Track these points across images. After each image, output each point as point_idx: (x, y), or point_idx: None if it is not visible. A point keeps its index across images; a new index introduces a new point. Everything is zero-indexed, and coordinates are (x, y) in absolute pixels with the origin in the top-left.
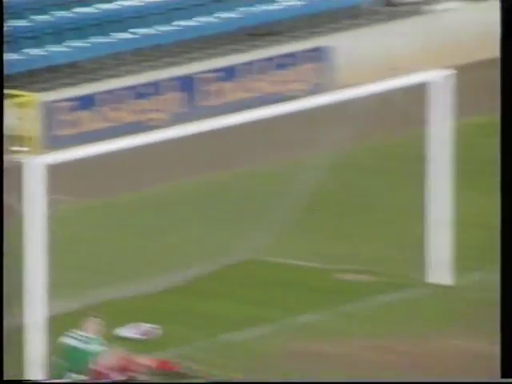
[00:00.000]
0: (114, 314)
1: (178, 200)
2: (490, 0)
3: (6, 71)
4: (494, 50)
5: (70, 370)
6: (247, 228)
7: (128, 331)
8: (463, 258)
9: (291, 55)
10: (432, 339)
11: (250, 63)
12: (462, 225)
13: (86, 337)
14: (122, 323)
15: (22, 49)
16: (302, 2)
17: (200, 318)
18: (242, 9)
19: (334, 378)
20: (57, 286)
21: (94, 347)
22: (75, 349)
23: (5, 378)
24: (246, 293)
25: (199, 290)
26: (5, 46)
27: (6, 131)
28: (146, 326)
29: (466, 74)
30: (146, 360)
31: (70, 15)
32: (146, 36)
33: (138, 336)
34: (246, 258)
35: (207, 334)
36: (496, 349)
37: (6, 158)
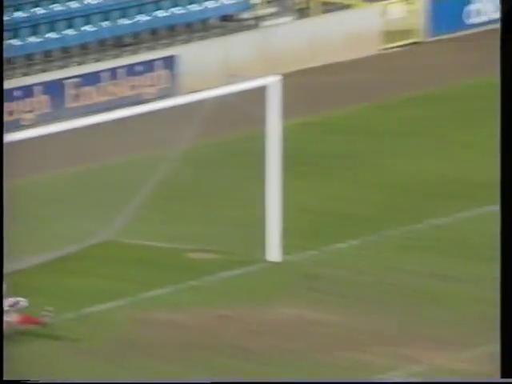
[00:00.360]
0: None
1: (51, 189)
2: (314, 17)
3: None
4: (319, 59)
5: None
6: (111, 213)
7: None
8: (293, 238)
9: (145, 63)
10: (268, 308)
11: (109, 70)
12: (292, 210)
13: None
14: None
15: None
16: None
17: (66, 292)
18: (104, 23)
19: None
20: None
21: None
22: None
23: (5, 378)
24: (107, 270)
25: (66, 268)
26: None
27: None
28: (14, 299)
29: (296, 79)
30: (9, 317)
31: None
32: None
33: (6, 307)
34: (109, 240)
35: (72, 307)
36: (327, 316)
37: None
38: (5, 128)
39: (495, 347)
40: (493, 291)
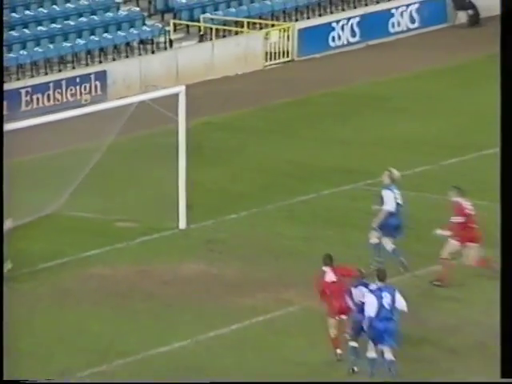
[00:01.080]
0: None
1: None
2: (212, 40)
3: None
4: (214, 73)
5: None
6: (56, 192)
7: None
8: (197, 211)
9: (82, 76)
10: (178, 265)
11: (54, 81)
12: (195, 189)
13: None
14: None
15: None
16: (87, 40)
17: (21, 254)
18: (50, 45)
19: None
20: None
21: None
22: None
23: (5, 378)
24: (52, 236)
25: (22, 235)
26: None
27: None
28: None
29: (198, 88)
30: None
31: None
32: None
33: None
34: (54, 213)
35: (26, 265)
36: (222, 271)
37: None
38: None
39: None
40: (342, 247)
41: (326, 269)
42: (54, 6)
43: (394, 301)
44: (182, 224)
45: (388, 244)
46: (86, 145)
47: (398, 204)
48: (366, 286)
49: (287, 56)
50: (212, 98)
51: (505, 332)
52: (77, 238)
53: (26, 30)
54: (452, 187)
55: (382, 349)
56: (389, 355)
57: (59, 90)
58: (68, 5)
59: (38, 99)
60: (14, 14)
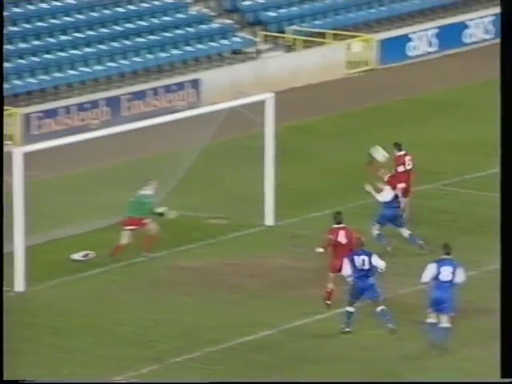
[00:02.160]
0: (69, 245)
1: (113, 173)
2: (298, 51)
3: None
4: (300, 81)
5: None
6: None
7: (76, 255)
8: (282, 209)
9: (178, 84)
10: (262, 259)
11: (152, 89)
12: (281, 188)
13: None
14: (75, 251)
15: None
16: (182, 51)
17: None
18: (148, 56)
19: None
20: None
21: None
22: None
23: (5, 378)
24: None
25: (116, 229)
26: None
27: None
28: (85, 251)
29: (284, 95)
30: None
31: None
32: (87, 72)
33: (81, 258)
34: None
35: (124, 257)
36: (301, 264)
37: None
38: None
39: None
40: None
41: (339, 228)
42: (153, 19)
43: (454, 273)
44: (269, 221)
45: (404, 232)
46: (181, 148)
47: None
48: (368, 254)
49: (368, 65)
50: (297, 104)
51: (505, 332)
52: (172, 233)
53: (127, 42)
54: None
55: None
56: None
57: (157, 97)
58: (165, 18)
59: (137, 105)
60: (115, 27)
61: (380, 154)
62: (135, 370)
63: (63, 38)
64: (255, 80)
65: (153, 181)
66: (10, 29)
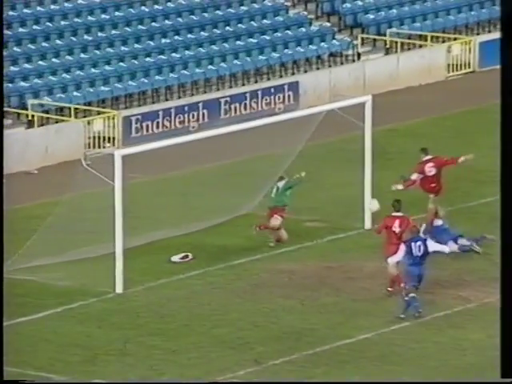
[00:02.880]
0: (168, 247)
1: (211, 176)
2: (397, 53)
3: None
4: (399, 83)
5: None
6: (251, 193)
7: (175, 257)
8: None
9: (276, 87)
10: (360, 262)
11: (251, 91)
12: (383, 192)
13: None
14: (174, 253)
15: None
16: (281, 54)
17: (215, 249)
18: (246, 59)
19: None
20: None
21: None
22: None
23: (5, 378)
24: (248, 233)
25: (221, 232)
26: None
27: None
28: (184, 254)
29: (383, 98)
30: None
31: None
32: (185, 75)
33: (180, 260)
34: (249, 212)
35: (221, 259)
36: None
37: None
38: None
39: None
40: None
41: (397, 217)
42: (252, 23)
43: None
44: (368, 224)
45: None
46: (279, 150)
47: None
48: (424, 241)
49: (468, 68)
50: (396, 107)
51: (505, 332)
52: (268, 236)
53: (226, 45)
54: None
55: None
56: None
57: (255, 100)
58: (264, 21)
59: (235, 108)
60: (214, 30)
61: (374, 206)
62: (233, 371)
63: (163, 40)
64: (354, 83)
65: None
66: (112, 32)
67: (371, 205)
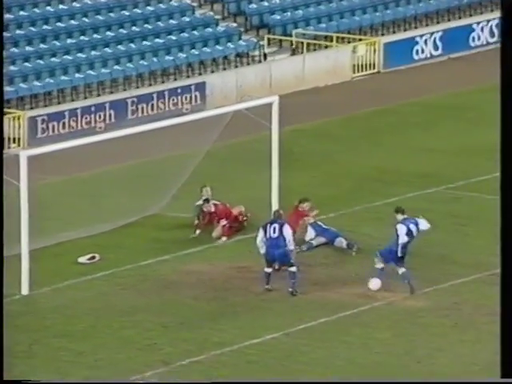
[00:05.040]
0: (75, 248)
1: (117, 177)
2: (303, 54)
3: None
4: (305, 84)
5: None
6: (158, 194)
7: (82, 258)
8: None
9: (183, 87)
10: None
11: (157, 92)
12: (290, 192)
13: None
14: (81, 254)
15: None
16: (187, 54)
17: (125, 250)
18: (154, 58)
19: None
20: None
21: None
22: None
23: (5, 378)
24: (155, 234)
25: (129, 232)
26: None
27: None
28: (92, 255)
29: (289, 98)
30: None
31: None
32: (92, 76)
33: (87, 261)
34: (156, 213)
35: (130, 260)
36: (315, 270)
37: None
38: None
39: None
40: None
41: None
42: (159, 23)
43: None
44: None
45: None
46: (186, 151)
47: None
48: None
49: (374, 68)
50: (303, 107)
51: (505, 332)
52: (177, 236)
53: (133, 45)
54: None
55: None
56: None
57: (162, 100)
58: (171, 21)
59: (142, 108)
60: (121, 30)
61: None
62: (140, 372)
63: (69, 41)
64: (260, 83)
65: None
66: (16, 32)
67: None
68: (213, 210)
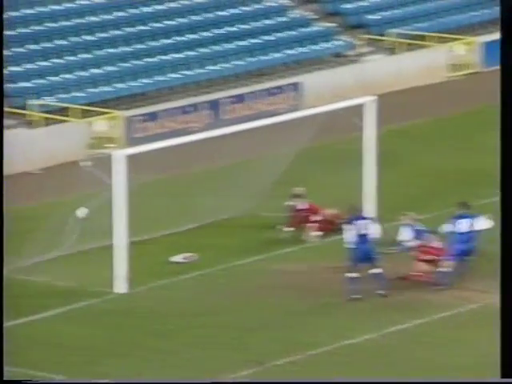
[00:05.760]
0: (169, 247)
1: (210, 176)
2: (399, 54)
3: None
4: (401, 84)
5: None
6: (250, 194)
7: (177, 258)
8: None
9: (279, 87)
10: None
11: (253, 92)
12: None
13: None
14: (175, 253)
15: None
16: (283, 54)
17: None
18: (248, 58)
19: None
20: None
21: None
22: None
23: (5, 378)
24: (247, 235)
25: (219, 232)
26: None
27: None
28: (188, 254)
29: (386, 98)
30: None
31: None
32: (188, 76)
33: (181, 260)
34: (247, 213)
35: (221, 260)
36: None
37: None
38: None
39: None
40: None
41: None
42: (255, 23)
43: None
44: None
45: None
46: (279, 151)
47: None
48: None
49: (471, 68)
50: (399, 107)
51: (505, 332)
52: (270, 236)
53: (229, 45)
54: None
55: None
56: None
57: (257, 100)
58: (267, 21)
59: (238, 108)
60: (216, 31)
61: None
62: (234, 372)
63: (165, 41)
64: (356, 83)
65: None
66: (115, 32)
67: (79, 212)
68: (304, 207)
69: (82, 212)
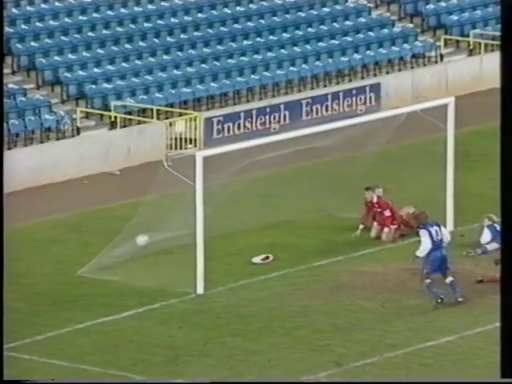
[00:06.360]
0: (249, 248)
1: (288, 178)
2: (480, 55)
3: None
4: (482, 85)
5: None
6: (328, 194)
7: (256, 259)
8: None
9: (358, 88)
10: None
11: (332, 93)
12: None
13: None
14: (255, 254)
15: None
16: (363, 55)
17: (294, 249)
18: (329, 59)
19: None
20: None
21: None
22: None
23: (5, 378)
24: (328, 235)
25: (296, 233)
26: None
27: None
28: (265, 255)
29: (466, 99)
30: None
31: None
32: (267, 77)
33: (260, 261)
34: (327, 214)
35: (299, 260)
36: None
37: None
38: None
39: None
40: None
41: None
42: (334, 24)
43: None
44: (450, 226)
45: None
46: (359, 152)
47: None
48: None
49: None
50: (479, 108)
51: (505, 332)
52: (349, 237)
53: (308, 46)
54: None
55: None
56: None
57: (337, 101)
58: (347, 22)
59: (317, 109)
60: (296, 32)
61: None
62: (314, 373)
63: (245, 42)
64: (436, 84)
65: None
66: (194, 34)
67: (139, 239)
68: (375, 200)
69: (141, 240)
